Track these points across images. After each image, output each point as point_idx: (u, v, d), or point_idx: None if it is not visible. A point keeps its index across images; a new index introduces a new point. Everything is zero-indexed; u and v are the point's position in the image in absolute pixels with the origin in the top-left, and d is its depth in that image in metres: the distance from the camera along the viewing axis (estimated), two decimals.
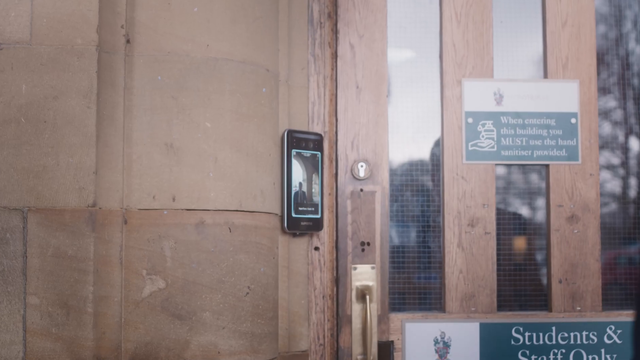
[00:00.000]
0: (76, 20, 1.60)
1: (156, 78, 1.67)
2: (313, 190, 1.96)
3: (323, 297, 2.05)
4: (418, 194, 2.16)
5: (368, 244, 2.08)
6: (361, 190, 2.08)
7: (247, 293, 1.70)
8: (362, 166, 2.08)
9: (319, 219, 1.98)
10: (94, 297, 1.57)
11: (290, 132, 1.91)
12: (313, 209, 1.96)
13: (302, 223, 1.93)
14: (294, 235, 1.96)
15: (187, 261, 1.65)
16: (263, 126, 1.78)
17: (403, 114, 2.17)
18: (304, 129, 2.01)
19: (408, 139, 2.17)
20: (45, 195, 1.57)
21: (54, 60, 1.59)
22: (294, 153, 1.91)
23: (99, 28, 1.61)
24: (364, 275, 2.06)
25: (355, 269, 2.06)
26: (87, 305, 1.57)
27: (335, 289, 2.06)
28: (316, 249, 2.04)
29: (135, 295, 1.63)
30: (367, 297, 2.01)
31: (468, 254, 2.10)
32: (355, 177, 2.08)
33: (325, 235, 2.05)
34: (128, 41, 1.68)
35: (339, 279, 2.05)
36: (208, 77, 1.69)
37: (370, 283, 2.06)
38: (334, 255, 2.06)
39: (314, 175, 1.97)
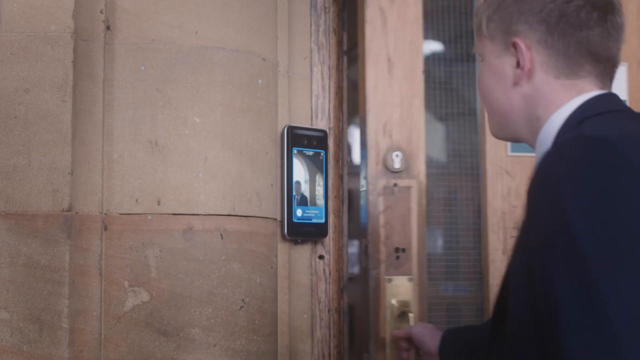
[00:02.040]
0: (50, 5, 1.46)
1: (139, 69, 1.54)
2: (316, 192, 1.80)
3: (328, 310, 1.88)
4: (457, 190, 1.92)
5: (403, 250, 1.77)
6: (395, 185, 1.78)
7: (242, 307, 1.56)
8: (397, 156, 1.75)
9: (323, 224, 1.81)
10: (69, 312, 1.44)
11: (291, 129, 1.75)
12: (316, 213, 1.79)
13: (304, 229, 1.77)
14: (295, 242, 1.80)
15: (174, 271, 1.51)
16: (259, 121, 1.63)
17: (440, 94, 1.90)
18: (307, 124, 1.85)
19: (444, 124, 1.93)
20: (15, 198, 1.44)
21: (25, 49, 1.45)
22: (295, 151, 1.75)
23: (75, 13, 1.47)
24: (400, 288, 1.75)
25: (389, 280, 1.75)
26: (62, 320, 1.43)
27: (341, 302, 1.88)
28: (320, 257, 1.88)
29: (116, 310, 1.50)
30: (410, 315, 1.66)
31: None
32: (389, 169, 1.75)
33: (330, 242, 1.88)
34: (108, 28, 1.54)
35: (370, 295, 1.76)
36: (197, 67, 1.55)
37: (408, 298, 1.73)
38: (341, 264, 1.89)
39: (317, 176, 1.81)
